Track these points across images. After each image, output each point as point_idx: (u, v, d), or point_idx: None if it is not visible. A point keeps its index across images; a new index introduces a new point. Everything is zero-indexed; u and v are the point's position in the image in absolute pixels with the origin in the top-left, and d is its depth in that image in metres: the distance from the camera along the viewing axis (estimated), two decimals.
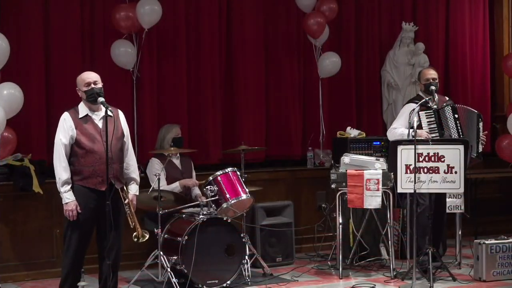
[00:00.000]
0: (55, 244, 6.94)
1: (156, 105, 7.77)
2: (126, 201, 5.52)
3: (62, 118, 5.42)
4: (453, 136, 6.70)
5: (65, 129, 5.37)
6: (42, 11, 7.26)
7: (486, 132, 7.06)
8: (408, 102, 7.09)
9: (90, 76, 5.44)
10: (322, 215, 7.94)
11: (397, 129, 6.83)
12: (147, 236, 5.65)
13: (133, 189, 5.67)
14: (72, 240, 5.40)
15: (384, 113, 9.00)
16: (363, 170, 6.67)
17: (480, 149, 6.87)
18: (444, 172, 6.21)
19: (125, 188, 5.58)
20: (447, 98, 7.20)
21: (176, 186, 6.78)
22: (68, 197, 5.34)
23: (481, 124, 6.87)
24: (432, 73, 6.95)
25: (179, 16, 7.89)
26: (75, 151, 5.37)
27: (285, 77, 8.53)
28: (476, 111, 6.95)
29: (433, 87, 6.78)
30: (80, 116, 5.42)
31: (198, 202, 6.58)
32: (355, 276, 6.84)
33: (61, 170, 5.35)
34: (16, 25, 7.14)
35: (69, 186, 5.37)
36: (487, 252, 6.47)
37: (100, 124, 5.43)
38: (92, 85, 5.38)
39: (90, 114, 5.44)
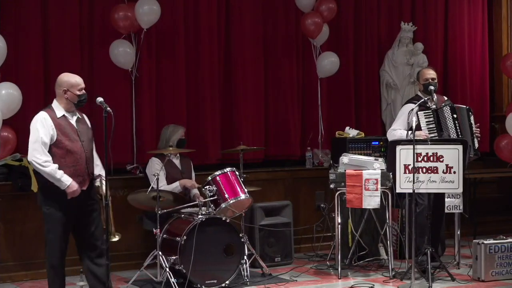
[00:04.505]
0: None
1: (155, 105, 7.77)
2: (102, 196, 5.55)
3: (41, 117, 5.39)
4: (451, 136, 6.70)
5: (46, 128, 5.35)
6: (41, 11, 7.26)
7: (479, 124, 7.03)
8: (406, 103, 7.08)
9: (82, 81, 5.53)
10: (321, 215, 7.94)
11: (397, 131, 6.82)
12: (118, 238, 5.62)
13: (98, 171, 5.66)
14: (57, 242, 5.38)
15: (383, 113, 9.01)
16: (362, 170, 6.67)
17: (477, 145, 6.87)
18: (443, 172, 6.21)
19: (98, 183, 5.60)
20: (446, 98, 7.19)
21: (176, 186, 6.77)
22: (66, 179, 5.32)
23: (472, 118, 6.86)
24: (431, 73, 6.94)
25: (178, 16, 7.89)
26: (54, 152, 5.36)
27: (284, 77, 8.53)
28: (464, 106, 6.94)
29: (431, 87, 6.77)
30: (58, 116, 5.45)
31: (196, 202, 6.58)
32: (354, 276, 6.84)
33: (49, 162, 5.30)
34: (15, 25, 7.14)
35: (61, 171, 5.35)
36: (486, 252, 6.47)
37: (75, 125, 5.49)
38: (83, 91, 5.51)
39: (66, 115, 5.48)
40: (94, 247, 5.48)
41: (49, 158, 5.30)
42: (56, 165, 5.30)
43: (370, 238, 7.34)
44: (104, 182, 5.54)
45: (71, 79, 5.49)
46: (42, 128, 5.33)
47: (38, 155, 5.29)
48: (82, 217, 5.46)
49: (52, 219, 5.37)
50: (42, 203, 5.44)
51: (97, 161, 5.68)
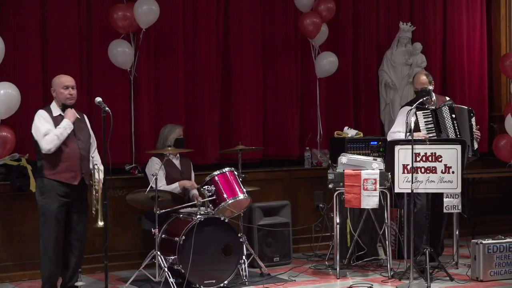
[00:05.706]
0: None
1: (154, 105, 7.76)
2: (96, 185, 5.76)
3: (39, 115, 5.77)
4: (450, 136, 6.70)
5: (48, 122, 5.70)
6: (40, 10, 7.24)
7: (479, 126, 7.04)
8: (405, 105, 7.07)
9: (67, 80, 5.85)
10: (319, 215, 7.95)
11: (395, 133, 6.81)
12: (102, 224, 5.73)
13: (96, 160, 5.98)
14: (52, 232, 5.73)
15: (381, 113, 9.00)
16: (361, 170, 6.67)
17: (476, 146, 6.87)
18: (442, 172, 6.22)
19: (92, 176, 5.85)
20: (448, 98, 7.16)
21: (176, 186, 6.77)
22: (65, 123, 5.67)
23: (473, 120, 6.86)
24: (420, 83, 6.90)
25: (177, 16, 7.88)
26: None
27: (283, 77, 8.52)
28: (466, 107, 6.94)
29: (430, 87, 6.78)
30: (54, 115, 5.79)
31: (195, 202, 6.58)
32: (353, 276, 6.84)
33: (48, 132, 5.63)
34: (14, 25, 7.12)
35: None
36: (484, 252, 6.47)
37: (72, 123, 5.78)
38: (70, 89, 5.82)
39: (62, 114, 5.78)
40: (73, 240, 5.82)
41: (49, 129, 5.62)
42: (54, 130, 5.63)
43: (368, 238, 7.34)
44: (98, 168, 5.80)
45: (57, 79, 5.88)
46: (44, 121, 5.69)
47: (45, 145, 5.62)
48: (71, 213, 5.80)
49: (47, 211, 5.72)
50: (39, 197, 5.79)
51: (97, 156, 6.00)
